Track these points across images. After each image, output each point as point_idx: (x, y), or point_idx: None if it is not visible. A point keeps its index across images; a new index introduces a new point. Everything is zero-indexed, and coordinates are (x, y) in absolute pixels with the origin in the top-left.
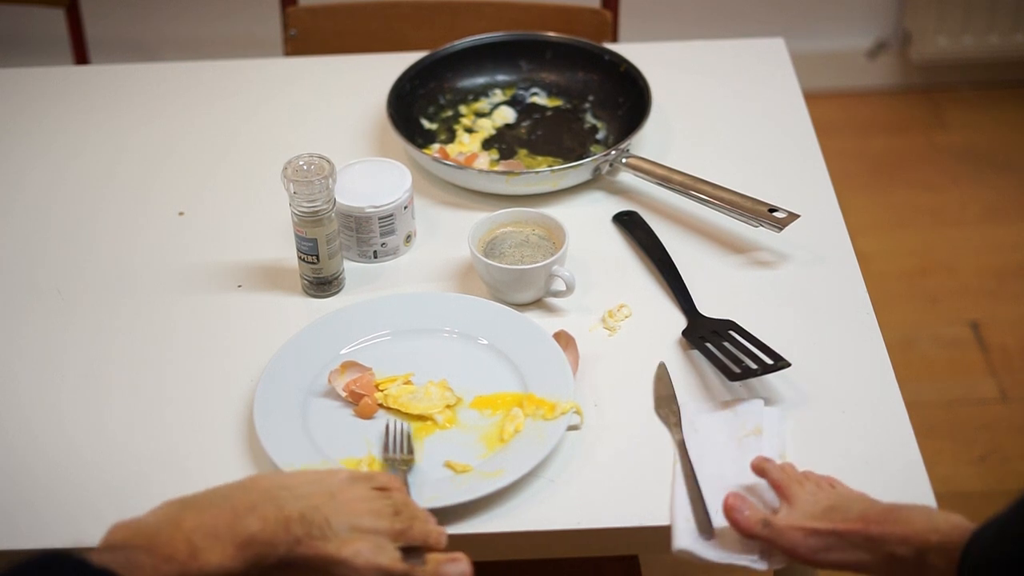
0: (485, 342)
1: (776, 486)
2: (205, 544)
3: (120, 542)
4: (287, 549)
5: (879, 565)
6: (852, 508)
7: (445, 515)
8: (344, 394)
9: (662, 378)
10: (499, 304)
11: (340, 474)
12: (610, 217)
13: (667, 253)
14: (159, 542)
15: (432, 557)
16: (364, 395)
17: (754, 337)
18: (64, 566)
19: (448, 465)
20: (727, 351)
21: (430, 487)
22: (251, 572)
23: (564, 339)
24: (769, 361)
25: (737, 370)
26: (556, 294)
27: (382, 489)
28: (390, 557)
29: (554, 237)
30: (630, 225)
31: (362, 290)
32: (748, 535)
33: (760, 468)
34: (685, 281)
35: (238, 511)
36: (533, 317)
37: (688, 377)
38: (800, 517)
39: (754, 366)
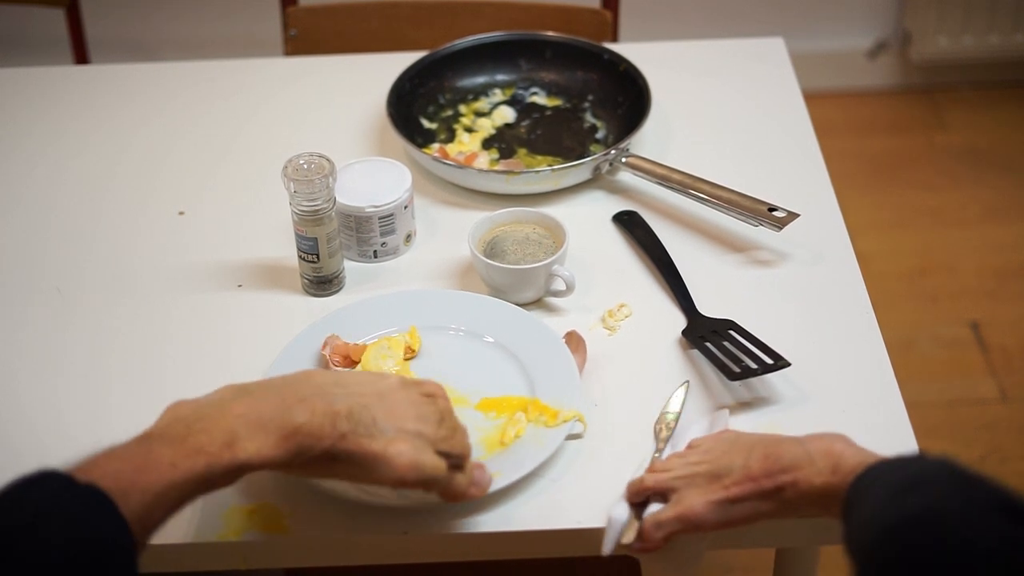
0: (491, 340)
1: (657, 491)
2: (247, 432)
3: (155, 430)
4: (331, 443)
5: (781, 510)
6: (734, 469)
7: (444, 514)
8: (339, 359)
9: (678, 396)
10: (507, 303)
11: (391, 378)
12: (610, 217)
13: (667, 252)
14: (196, 429)
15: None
16: (356, 360)
17: (754, 337)
18: (47, 483)
19: None
20: (727, 351)
21: None
22: (292, 462)
23: (574, 340)
24: (769, 361)
25: (737, 369)
26: (556, 293)
27: (429, 396)
28: (432, 461)
29: (554, 236)
30: (630, 225)
31: (362, 289)
32: (660, 545)
33: (636, 491)
34: (685, 281)
35: (288, 401)
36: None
37: (688, 377)
38: (689, 499)
39: (754, 366)
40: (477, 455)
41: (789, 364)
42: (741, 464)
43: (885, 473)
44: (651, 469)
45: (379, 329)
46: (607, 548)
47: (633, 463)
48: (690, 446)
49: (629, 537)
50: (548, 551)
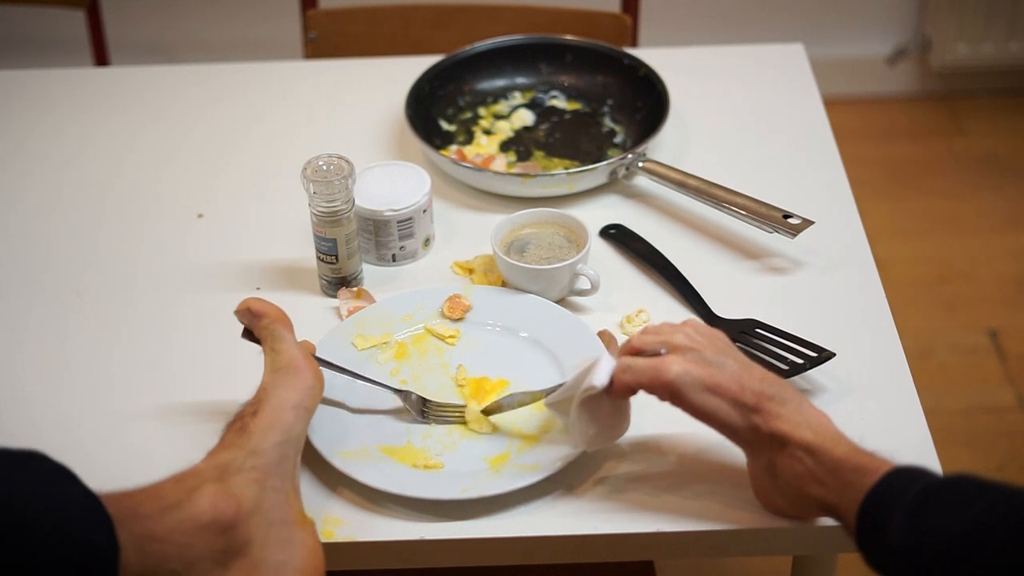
0: (526, 335)
1: (643, 351)
2: None
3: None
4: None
5: (738, 433)
6: (726, 366)
7: (458, 520)
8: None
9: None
10: (544, 300)
11: None
12: (626, 221)
13: (668, 260)
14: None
15: None
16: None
17: (783, 332)
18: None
19: (485, 459)
20: (764, 349)
21: (466, 479)
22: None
23: (606, 338)
24: (813, 354)
25: (785, 367)
26: (581, 292)
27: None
28: None
29: (575, 236)
30: (622, 239)
31: (380, 292)
32: (622, 390)
33: (624, 349)
34: (696, 286)
35: None
36: None
37: None
38: (670, 360)
39: (799, 361)
40: (516, 447)
41: (834, 354)
42: (735, 368)
43: (915, 482)
44: (644, 332)
45: (416, 324)
46: (576, 392)
47: (650, 469)
48: (687, 323)
49: (600, 379)
50: (564, 556)
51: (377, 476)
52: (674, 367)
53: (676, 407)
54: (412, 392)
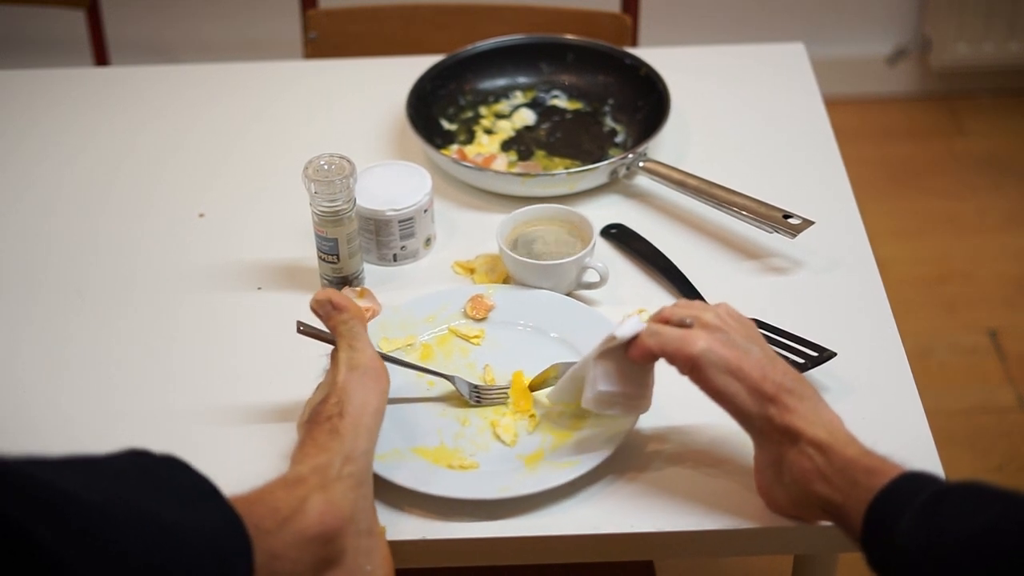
0: (555, 335)
1: (674, 322)
2: None
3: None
4: None
5: (750, 420)
6: (751, 352)
7: (459, 520)
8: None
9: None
10: (567, 298)
11: None
12: (626, 220)
13: (669, 260)
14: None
15: None
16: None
17: (784, 331)
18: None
19: (520, 458)
20: None
21: (501, 477)
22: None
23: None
24: (813, 353)
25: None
26: (589, 286)
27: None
28: None
29: (579, 232)
30: (623, 238)
31: (381, 292)
32: (645, 352)
33: (654, 317)
34: (697, 285)
35: None
36: None
37: None
38: (696, 334)
39: (800, 360)
40: (549, 444)
41: (834, 354)
42: (760, 356)
43: (925, 487)
44: (676, 305)
45: (439, 325)
46: (601, 343)
47: (651, 469)
48: (720, 305)
49: (622, 331)
50: (565, 556)
51: (410, 477)
52: (700, 342)
53: (694, 383)
54: (458, 377)
